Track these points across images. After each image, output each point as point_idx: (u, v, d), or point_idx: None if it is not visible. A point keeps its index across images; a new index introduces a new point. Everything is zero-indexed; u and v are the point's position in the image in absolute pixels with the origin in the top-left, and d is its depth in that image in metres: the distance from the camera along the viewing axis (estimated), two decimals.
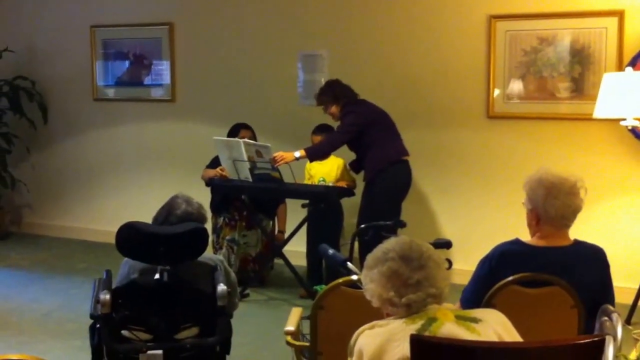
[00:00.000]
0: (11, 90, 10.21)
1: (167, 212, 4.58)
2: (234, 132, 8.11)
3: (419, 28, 8.24)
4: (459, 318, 2.87)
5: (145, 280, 4.28)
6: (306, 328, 4.14)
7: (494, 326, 2.87)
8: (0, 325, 6.70)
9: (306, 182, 7.94)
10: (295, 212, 7.91)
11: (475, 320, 2.87)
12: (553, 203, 3.87)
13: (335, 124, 7.68)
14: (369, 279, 3.03)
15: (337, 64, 8.53)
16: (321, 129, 7.85)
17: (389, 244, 3.03)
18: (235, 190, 7.91)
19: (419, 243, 3.03)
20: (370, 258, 3.06)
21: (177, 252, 4.21)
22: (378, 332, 2.86)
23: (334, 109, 7.53)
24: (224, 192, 8.03)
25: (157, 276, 4.17)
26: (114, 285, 4.29)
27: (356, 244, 6.05)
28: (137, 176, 9.98)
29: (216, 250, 8.09)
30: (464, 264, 6.33)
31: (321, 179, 7.81)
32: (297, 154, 7.41)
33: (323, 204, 7.44)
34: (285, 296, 7.87)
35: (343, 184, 7.75)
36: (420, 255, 2.96)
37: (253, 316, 7.19)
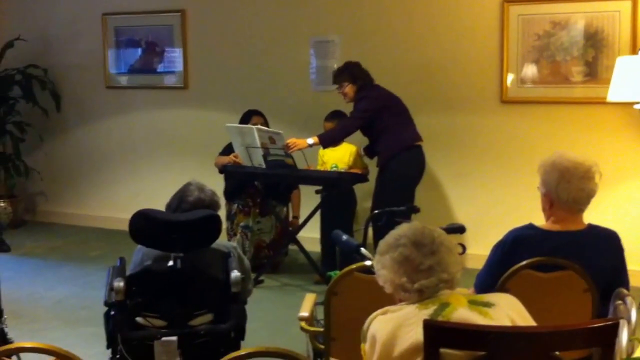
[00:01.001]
0: (24, 78, 10.23)
1: (179, 199, 4.60)
2: (245, 118, 8.11)
3: (432, 12, 8.22)
4: (472, 303, 2.86)
5: (158, 267, 4.29)
6: (320, 314, 4.15)
7: (507, 310, 2.87)
8: (14, 313, 6.69)
9: (319, 168, 7.93)
10: (308, 198, 7.92)
11: (488, 304, 2.87)
12: (566, 187, 3.86)
13: (346, 106, 7.66)
14: (381, 264, 3.03)
15: (349, 50, 8.49)
16: (334, 115, 7.85)
17: (401, 230, 3.03)
18: (249, 177, 7.91)
19: (430, 229, 3.03)
20: (382, 244, 3.06)
21: (190, 239, 4.22)
22: (391, 318, 2.86)
23: (349, 88, 7.50)
24: (238, 179, 8.03)
25: (170, 263, 4.18)
26: (127, 273, 4.31)
27: (370, 230, 6.05)
28: (150, 163, 9.99)
29: (230, 237, 8.09)
30: (479, 249, 6.33)
31: (334, 165, 7.80)
32: (310, 140, 7.40)
33: (336, 190, 7.45)
34: (299, 282, 7.88)
35: (356, 170, 7.73)
36: (432, 241, 2.96)
37: (267, 302, 7.20)
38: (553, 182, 3.90)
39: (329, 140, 7.54)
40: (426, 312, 2.81)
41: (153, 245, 4.36)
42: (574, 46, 7.55)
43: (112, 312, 4.23)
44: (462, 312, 2.81)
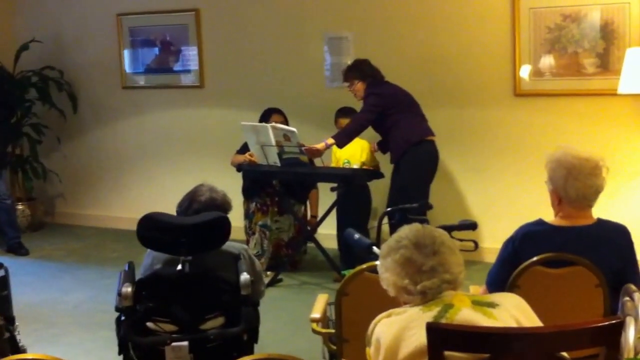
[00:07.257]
0: (40, 80, 10.23)
1: (190, 199, 4.61)
2: (265, 116, 8.08)
3: (444, 7, 8.18)
4: (476, 303, 2.85)
5: (167, 271, 4.28)
6: (334, 314, 4.13)
7: (511, 311, 2.86)
8: (32, 318, 6.72)
9: (332, 165, 7.94)
10: (325, 195, 7.91)
11: (492, 305, 2.86)
12: (574, 185, 3.87)
13: (357, 104, 7.65)
14: (384, 268, 3.03)
15: (362, 46, 8.48)
16: (344, 111, 7.85)
17: (402, 232, 3.03)
18: (267, 175, 7.91)
19: (431, 229, 3.03)
20: (384, 247, 3.06)
21: (198, 243, 4.22)
22: (395, 321, 2.86)
23: (359, 85, 7.50)
24: (254, 177, 8.04)
25: (179, 267, 4.18)
26: (138, 277, 4.31)
27: (387, 227, 6.02)
28: (167, 163, 9.99)
29: (249, 235, 8.11)
30: (493, 243, 6.31)
31: (346, 161, 7.80)
32: (327, 142, 7.39)
33: (350, 186, 7.45)
34: (318, 280, 7.86)
35: (367, 166, 7.75)
36: (433, 242, 2.95)
37: (286, 301, 7.20)
38: (560, 180, 3.91)
39: (344, 139, 7.49)
40: (430, 314, 2.81)
41: (161, 249, 4.37)
42: (585, 38, 7.48)
43: (122, 318, 4.24)
44: (466, 313, 2.80)
